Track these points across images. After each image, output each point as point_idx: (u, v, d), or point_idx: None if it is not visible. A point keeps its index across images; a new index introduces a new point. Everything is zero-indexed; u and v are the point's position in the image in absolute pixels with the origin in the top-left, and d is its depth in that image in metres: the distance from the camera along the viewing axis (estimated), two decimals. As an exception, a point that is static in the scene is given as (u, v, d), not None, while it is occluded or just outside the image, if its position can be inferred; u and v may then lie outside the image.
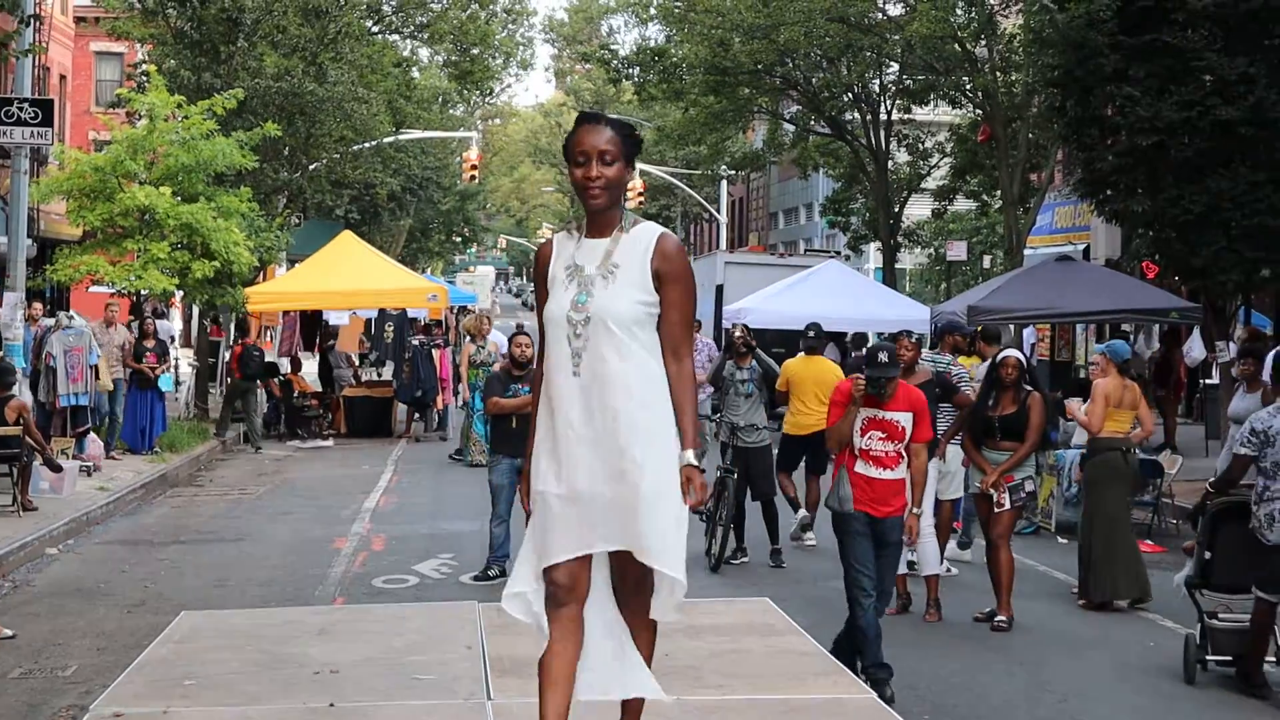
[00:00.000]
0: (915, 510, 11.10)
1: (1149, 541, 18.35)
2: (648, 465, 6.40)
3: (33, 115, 24.05)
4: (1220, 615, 11.76)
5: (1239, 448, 11.42)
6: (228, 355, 33.11)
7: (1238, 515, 11.46)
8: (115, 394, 25.42)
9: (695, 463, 6.48)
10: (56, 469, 20.06)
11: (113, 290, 28.69)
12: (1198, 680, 11.67)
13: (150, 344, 26.41)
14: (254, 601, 14.14)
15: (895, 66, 42.65)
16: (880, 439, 10.94)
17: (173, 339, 37.23)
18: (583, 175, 6.56)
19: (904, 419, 10.98)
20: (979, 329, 19.67)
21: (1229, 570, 11.60)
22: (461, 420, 26.70)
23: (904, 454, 11.03)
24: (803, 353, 17.98)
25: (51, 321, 25.02)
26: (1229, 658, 11.60)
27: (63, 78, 48.48)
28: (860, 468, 10.97)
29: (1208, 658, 11.69)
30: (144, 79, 32.68)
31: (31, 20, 19.01)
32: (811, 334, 17.98)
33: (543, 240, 6.88)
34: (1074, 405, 15.49)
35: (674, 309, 6.60)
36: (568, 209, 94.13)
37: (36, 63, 28.52)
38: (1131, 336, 30.48)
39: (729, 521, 16.24)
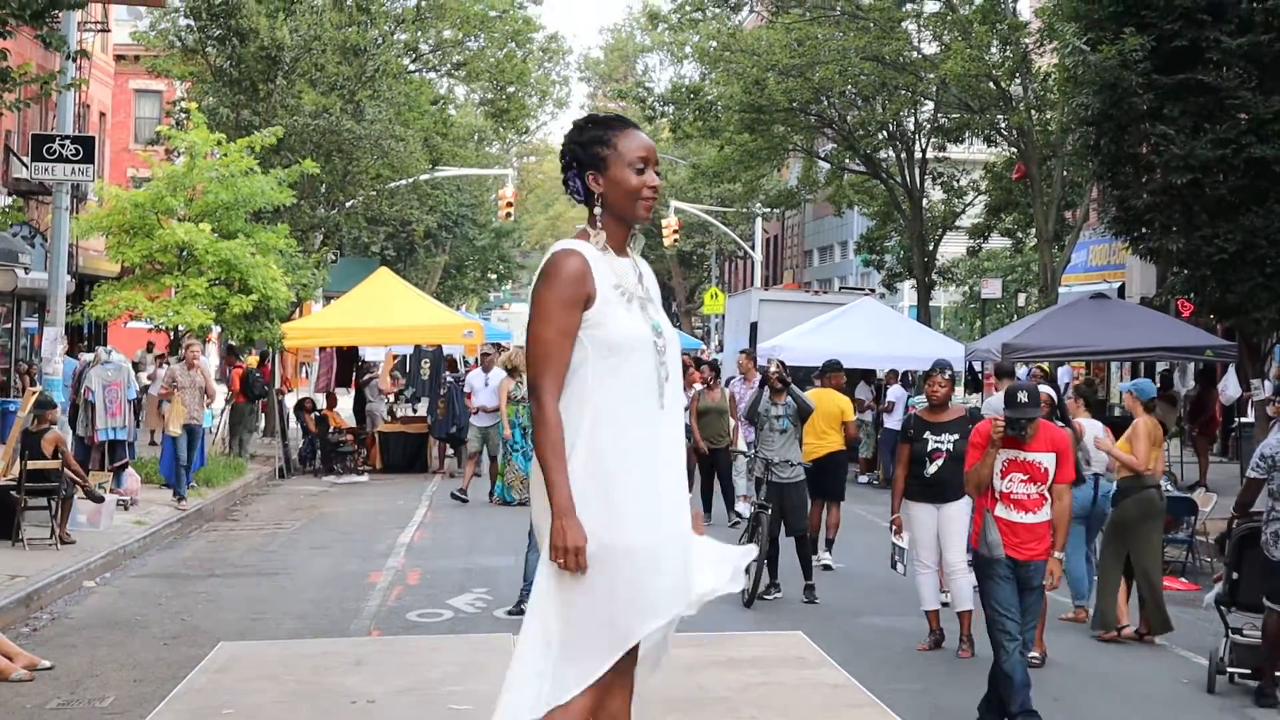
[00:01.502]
0: (1057, 554, 10.77)
1: (1183, 579, 18.35)
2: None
3: (74, 152, 24.29)
4: (1245, 631, 12.41)
5: (1251, 471, 12.24)
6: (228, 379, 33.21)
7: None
8: (195, 437, 24.29)
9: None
10: (99, 499, 20.17)
11: (150, 326, 28.88)
12: (1222, 691, 12.20)
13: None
14: (289, 634, 14.21)
15: (930, 105, 42.73)
16: (1022, 481, 10.72)
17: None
18: (645, 183, 5.88)
19: (1046, 460, 10.74)
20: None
21: (1254, 590, 12.18)
22: (500, 460, 26.54)
23: (1047, 495, 10.76)
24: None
25: (90, 356, 25.18)
26: (1249, 670, 12.25)
27: (102, 115, 48.87)
28: (1001, 511, 10.73)
29: (1230, 669, 12.37)
30: (183, 116, 32.95)
31: (76, 56, 19.18)
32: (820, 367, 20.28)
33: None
34: (1103, 440, 15.45)
35: None
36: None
37: (77, 100, 28.77)
38: (1170, 374, 30.48)
39: (763, 557, 16.28)
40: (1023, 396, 10.66)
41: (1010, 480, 10.73)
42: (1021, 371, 29.29)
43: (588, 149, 5.90)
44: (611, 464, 5.66)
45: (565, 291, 5.71)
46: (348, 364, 36.90)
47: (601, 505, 5.62)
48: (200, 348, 25.55)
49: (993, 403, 17.37)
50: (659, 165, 5.97)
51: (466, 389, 27.95)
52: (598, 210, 5.92)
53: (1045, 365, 24.07)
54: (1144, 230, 25.13)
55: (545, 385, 5.70)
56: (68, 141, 24.52)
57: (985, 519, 10.77)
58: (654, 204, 5.95)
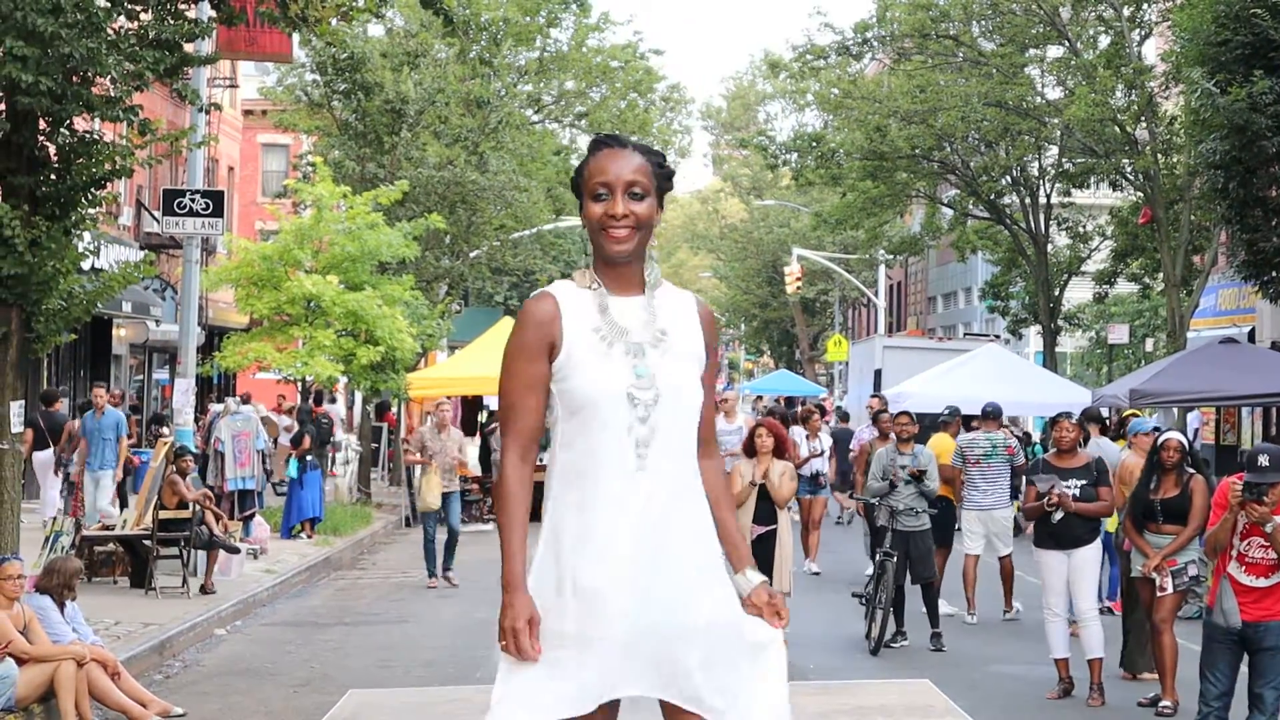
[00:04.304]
0: None
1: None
2: (726, 592, 5.20)
3: (204, 206, 24.67)
4: None
5: None
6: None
7: None
8: (449, 504, 22.26)
9: (763, 579, 5.30)
10: (234, 551, 20.43)
11: (279, 377, 29.21)
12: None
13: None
14: (418, 681, 14.30)
15: (1054, 150, 42.44)
16: (1261, 545, 10.39)
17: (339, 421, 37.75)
18: (604, 212, 5.15)
19: None
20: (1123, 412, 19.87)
21: None
22: None
23: None
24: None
25: (220, 407, 25.47)
26: None
27: (231, 169, 49.62)
28: (1233, 569, 10.48)
29: None
30: (310, 169, 33.39)
31: (209, 108, 19.54)
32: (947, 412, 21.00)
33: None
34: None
35: (709, 392, 5.35)
36: (727, 295, 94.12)
37: (207, 155, 29.25)
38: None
39: (889, 604, 16.24)
40: (1263, 460, 10.22)
41: (1249, 544, 10.43)
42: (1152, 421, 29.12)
43: (573, 181, 5.38)
44: (567, 547, 5.13)
45: (524, 339, 5.20)
46: (472, 413, 37.12)
47: (552, 592, 5.10)
48: (450, 408, 24.40)
49: (1105, 447, 17.60)
50: (639, 185, 5.21)
51: None
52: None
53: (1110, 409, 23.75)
54: (1274, 273, 24.88)
55: (507, 445, 5.26)
56: (198, 196, 24.91)
57: (1223, 586, 10.51)
58: (631, 237, 5.22)
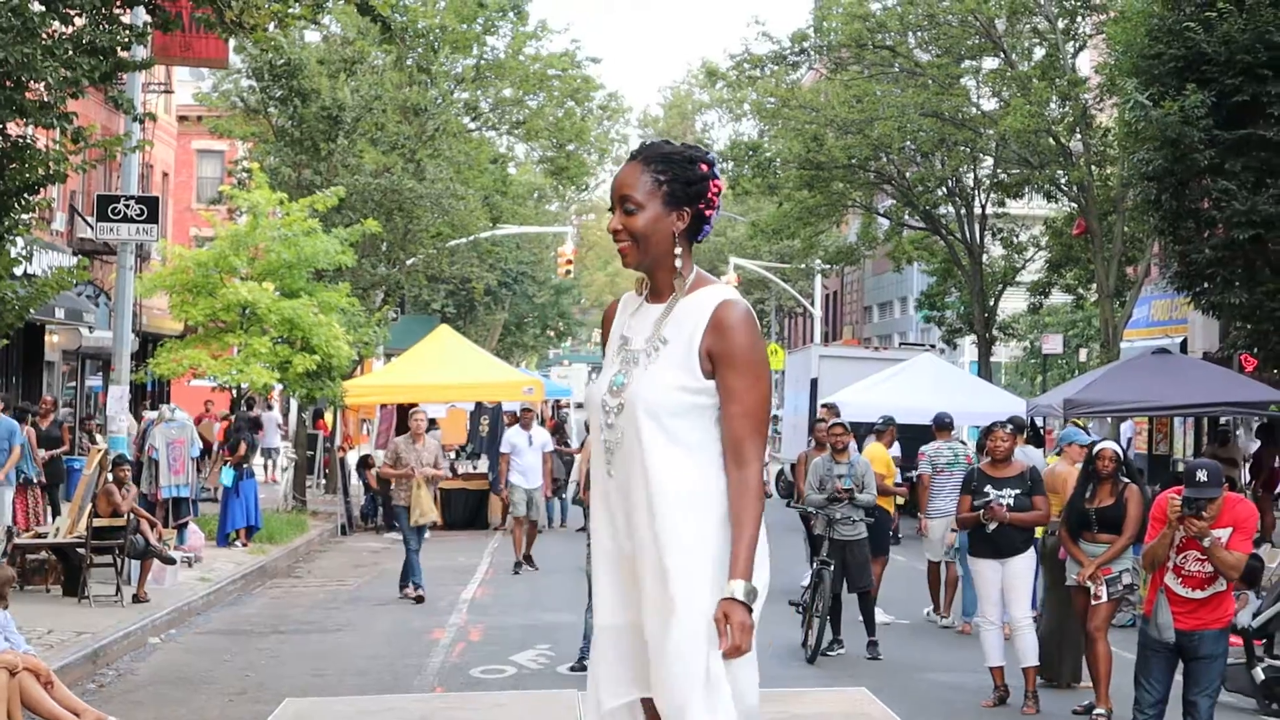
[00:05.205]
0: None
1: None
2: (678, 600, 5.17)
3: (138, 212, 24.50)
4: None
5: None
6: (217, 428, 33.13)
7: None
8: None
9: (740, 597, 5.10)
10: (170, 561, 20.29)
11: (214, 384, 29.05)
12: None
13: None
14: (351, 691, 14.22)
15: (989, 160, 42.62)
16: (1197, 559, 10.48)
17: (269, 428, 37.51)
18: (609, 228, 5.43)
19: (1223, 536, 10.42)
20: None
21: None
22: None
23: (1219, 574, 10.46)
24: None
25: (155, 414, 25.26)
26: None
27: (166, 175, 49.27)
28: (1169, 579, 10.59)
29: None
30: (246, 176, 33.23)
31: (144, 118, 19.41)
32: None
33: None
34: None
35: (732, 399, 5.24)
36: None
37: (141, 160, 29.06)
38: (1226, 430, 30.26)
39: (825, 613, 16.28)
40: (1201, 476, 10.30)
41: (1186, 556, 10.52)
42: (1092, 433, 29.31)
43: None
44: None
45: (601, 339, 5.70)
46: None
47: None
48: (425, 416, 23.89)
49: (1031, 455, 18.01)
50: (631, 199, 5.33)
51: (505, 448, 26.19)
52: None
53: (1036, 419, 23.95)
54: (1206, 285, 25.04)
55: None
56: (132, 202, 24.74)
57: (1159, 600, 10.60)
58: (630, 249, 5.38)
